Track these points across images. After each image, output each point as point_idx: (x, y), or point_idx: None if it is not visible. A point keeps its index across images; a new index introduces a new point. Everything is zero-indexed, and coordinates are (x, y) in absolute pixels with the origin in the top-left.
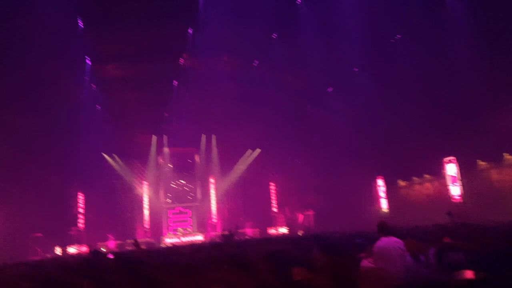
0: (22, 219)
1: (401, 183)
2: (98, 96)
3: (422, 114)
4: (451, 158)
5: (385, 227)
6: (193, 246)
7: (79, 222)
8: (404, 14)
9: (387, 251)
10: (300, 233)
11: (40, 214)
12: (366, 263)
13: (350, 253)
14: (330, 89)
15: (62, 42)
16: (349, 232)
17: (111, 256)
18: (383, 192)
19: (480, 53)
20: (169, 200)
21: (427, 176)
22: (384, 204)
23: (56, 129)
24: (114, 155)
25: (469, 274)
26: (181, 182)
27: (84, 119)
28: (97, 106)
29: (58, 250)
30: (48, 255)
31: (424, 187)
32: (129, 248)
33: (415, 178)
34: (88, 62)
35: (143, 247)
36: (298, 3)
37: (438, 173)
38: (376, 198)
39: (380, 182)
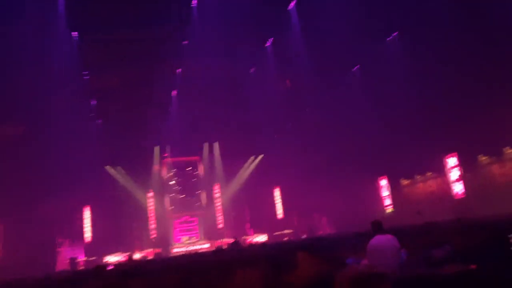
0: (29, 235)
1: (404, 181)
2: (98, 109)
3: (421, 111)
4: (453, 154)
5: (378, 225)
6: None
7: (85, 235)
8: (398, 11)
9: (380, 248)
10: (303, 236)
11: (47, 229)
12: (352, 261)
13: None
14: (328, 91)
15: (57, 55)
16: (346, 233)
17: (111, 267)
18: (387, 191)
19: (478, 47)
20: (171, 209)
21: (429, 173)
22: (388, 204)
23: (56, 143)
24: (117, 167)
25: (456, 267)
26: (186, 191)
27: (85, 132)
28: (97, 120)
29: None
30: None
31: (426, 184)
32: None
33: (417, 176)
34: (86, 75)
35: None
36: (289, 9)
37: (440, 170)
38: (380, 197)
39: (384, 182)
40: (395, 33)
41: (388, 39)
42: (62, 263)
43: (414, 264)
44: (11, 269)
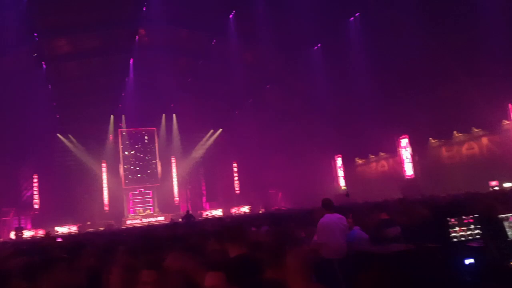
0: None
1: (358, 161)
2: (50, 75)
3: (378, 95)
4: (405, 136)
5: (329, 204)
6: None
7: (34, 205)
8: None
9: (330, 227)
10: (261, 211)
11: None
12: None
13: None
14: (289, 69)
15: (6, 15)
16: (299, 210)
17: (59, 239)
18: (341, 170)
19: (430, 33)
20: (126, 181)
21: (382, 154)
22: (342, 182)
23: (6, 109)
24: (70, 136)
25: (401, 246)
26: (142, 163)
27: (37, 99)
28: (48, 85)
29: (12, 234)
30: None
31: (379, 164)
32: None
33: (371, 156)
34: (36, 37)
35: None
36: None
37: (393, 151)
38: (335, 175)
39: (339, 160)
40: (356, 14)
41: (349, 19)
42: (7, 233)
43: (364, 240)
44: None
